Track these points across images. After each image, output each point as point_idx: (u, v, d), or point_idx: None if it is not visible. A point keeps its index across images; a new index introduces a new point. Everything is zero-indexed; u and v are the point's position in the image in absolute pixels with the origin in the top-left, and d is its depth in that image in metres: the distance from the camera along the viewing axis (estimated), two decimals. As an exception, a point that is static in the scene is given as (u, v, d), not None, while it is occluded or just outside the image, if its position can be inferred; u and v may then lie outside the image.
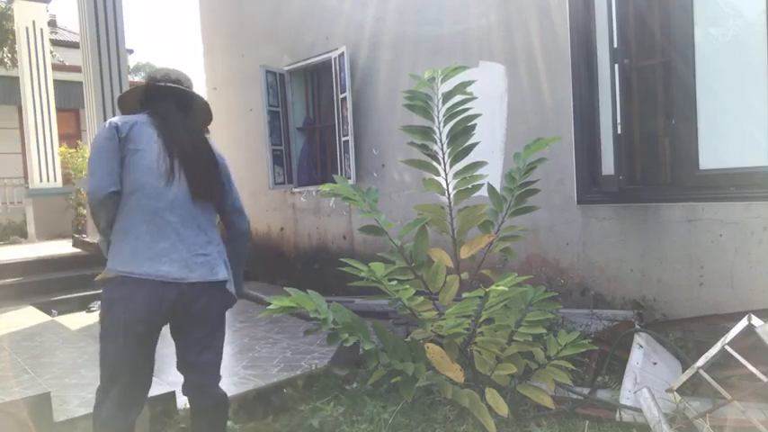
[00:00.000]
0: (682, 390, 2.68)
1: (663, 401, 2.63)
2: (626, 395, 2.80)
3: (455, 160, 2.67)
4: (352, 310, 2.35)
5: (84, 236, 7.90)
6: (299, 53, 6.46)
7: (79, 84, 7.85)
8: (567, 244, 4.22)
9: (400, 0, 5.34)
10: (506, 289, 2.11)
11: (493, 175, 3.96)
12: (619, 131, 3.76)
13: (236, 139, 7.43)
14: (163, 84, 2.28)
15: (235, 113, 7.47)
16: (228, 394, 2.32)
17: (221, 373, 2.27)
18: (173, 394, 2.96)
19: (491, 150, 4.45)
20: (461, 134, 2.65)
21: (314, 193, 6.44)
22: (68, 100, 12.24)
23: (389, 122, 5.46)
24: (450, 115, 2.63)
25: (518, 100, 4.46)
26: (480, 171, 2.67)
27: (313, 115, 6.87)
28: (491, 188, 2.81)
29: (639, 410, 2.62)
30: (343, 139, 5.84)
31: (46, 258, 6.78)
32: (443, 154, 2.68)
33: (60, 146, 10.62)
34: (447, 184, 2.69)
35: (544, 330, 2.49)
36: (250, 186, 7.10)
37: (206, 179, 2.21)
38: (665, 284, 3.73)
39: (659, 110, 4.08)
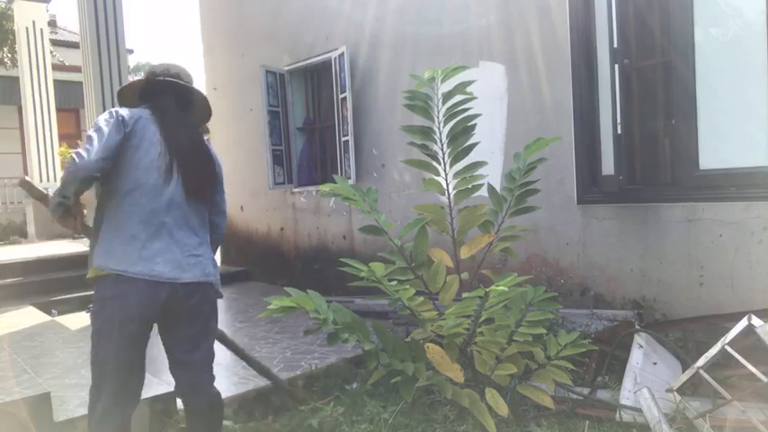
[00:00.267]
0: (682, 390, 2.68)
1: (663, 401, 2.62)
2: (626, 395, 2.80)
3: (455, 160, 2.67)
4: (352, 310, 2.35)
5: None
6: (299, 53, 6.46)
7: (79, 84, 7.85)
8: (567, 244, 4.22)
9: (400, 0, 5.34)
10: (506, 289, 2.11)
11: (493, 175, 3.96)
12: (619, 131, 3.76)
13: (236, 139, 7.42)
14: (162, 78, 2.28)
15: (235, 113, 7.46)
16: (228, 394, 2.32)
17: (221, 374, 2.27)
18: (173, 394, 2.94)
19: (491, 150, 4.45)
20: (461, 134, 2.65)
21: (314, 193, 6.44)
22: (68, 100, 12.26)
23: (389, 122, 5.45)
24: (450, 115, 2.63)
25: (518, 100, 4.46)
26: (480, 171, 2.67)
27: (313, 115, 6.87)
28: (491, 188, 2.81)
29: (639, 410, 2.62)
30: (343, 139, 5.83)
31: (46, 258, 6.76)
32: (443, 154, 2.68)
33: (60, 146, 10.64)
34: (447, 184, 2.69)
35: (544, 330, 2.49)
36: (250, 186, 7.08)
37: (201, 178, 2.21)
38: (665, 284, 3.73)
39: (659, 110, 4.08)
